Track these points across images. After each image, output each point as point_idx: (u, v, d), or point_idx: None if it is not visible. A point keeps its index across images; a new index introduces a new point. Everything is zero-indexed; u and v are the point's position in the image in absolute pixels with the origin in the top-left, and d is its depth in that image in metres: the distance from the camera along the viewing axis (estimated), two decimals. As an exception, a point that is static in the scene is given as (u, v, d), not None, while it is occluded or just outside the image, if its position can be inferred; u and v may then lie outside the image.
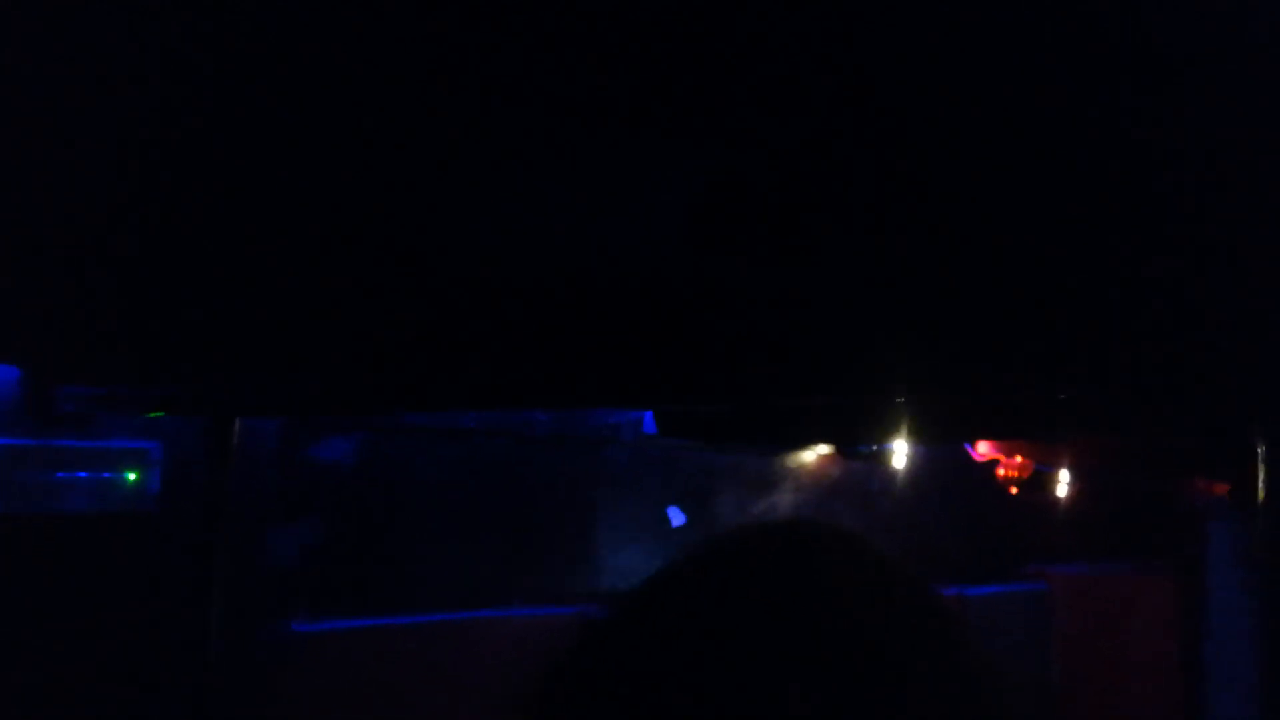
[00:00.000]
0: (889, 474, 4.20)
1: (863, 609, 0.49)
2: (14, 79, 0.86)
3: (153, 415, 2.57)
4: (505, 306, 1.24)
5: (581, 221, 1.05)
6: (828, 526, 0.56)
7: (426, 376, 1.53)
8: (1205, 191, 0.88)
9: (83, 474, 2.58)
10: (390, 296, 1.29)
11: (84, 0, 0.77)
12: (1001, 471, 4.35)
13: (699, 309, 1.15)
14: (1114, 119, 0.81)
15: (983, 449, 4.26)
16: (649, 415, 3.62)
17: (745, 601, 0.49)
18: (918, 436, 2.80)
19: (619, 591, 0.54)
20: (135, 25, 0.79)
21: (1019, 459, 4.30)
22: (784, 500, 4.02)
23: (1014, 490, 4.41)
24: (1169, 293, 1.02)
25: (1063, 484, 4.53)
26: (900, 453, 4.09)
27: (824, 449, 4.06)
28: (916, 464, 4.22)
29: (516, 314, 1.26)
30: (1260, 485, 1.08)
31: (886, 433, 2.51)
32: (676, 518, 3.81)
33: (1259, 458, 1.08)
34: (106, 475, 2.61)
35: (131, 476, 2.63)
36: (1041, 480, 4.47)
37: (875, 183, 0.93)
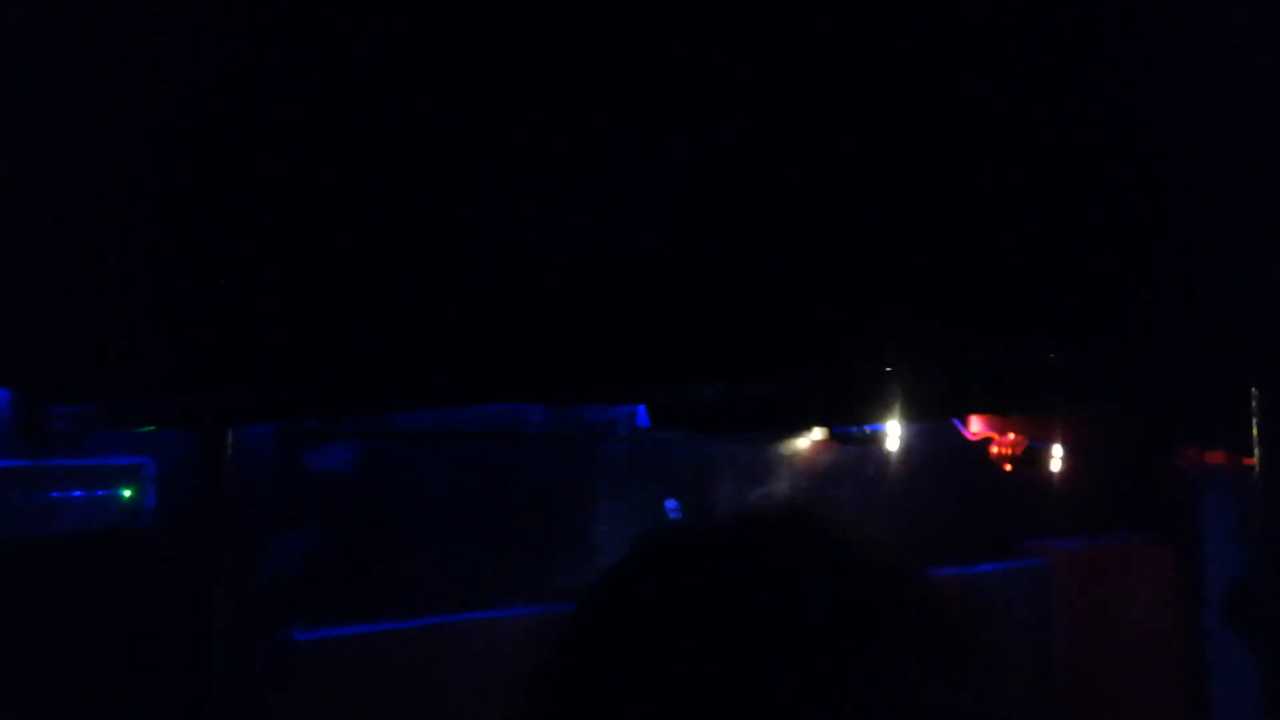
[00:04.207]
0: (883, 457, 4.21)
1: (832, 594, 0.48)
2: (6, 98, 0.86)
3: (145, 430, 2.56)
4: (494, 299, 1.24)
5: (562, 206, 1.05)
6: (799, 511, 0.54)
7: (418, 374, 1.53)
8: (1194, 151, 0.89)
9: (77, 493, 2.57)
10: (377, 296, 1.29)
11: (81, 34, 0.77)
12: (994, 449, 4.37)
13: (685, 289, 1.15)
14: (1104, 88, 0.81)
15: (975, 427, 4.27)
16: (642, 409, 3.63)
17: (705, 591, 0.49)
18: (910, 413, 2.81)
19: (577, 590, 0.54)
20: (132, 44, 0.79)
21: (1011, 436, 4.32)
22: (780, 488, 4.03)
23: (1008, 467, 4.43)
24: (1157, 250, 1.02)
25: (1056, 459, 4.55)
26: (893, 435, 4.10)
27: (817, 435, 4.07)
28: (910, 446, 4.23)
29: (505, 305, 1.26)
30: (1254, 432, 1.09)
31: (879, 410, 2.51)
32: (674, 510, 3.81)
33: (1252, 406, 1.08)
34: (101, 493, 2.60)
35: (127, 493, 2.62)
36: (1035, 456, 4.49)
37: (862, 152, 0.94)
